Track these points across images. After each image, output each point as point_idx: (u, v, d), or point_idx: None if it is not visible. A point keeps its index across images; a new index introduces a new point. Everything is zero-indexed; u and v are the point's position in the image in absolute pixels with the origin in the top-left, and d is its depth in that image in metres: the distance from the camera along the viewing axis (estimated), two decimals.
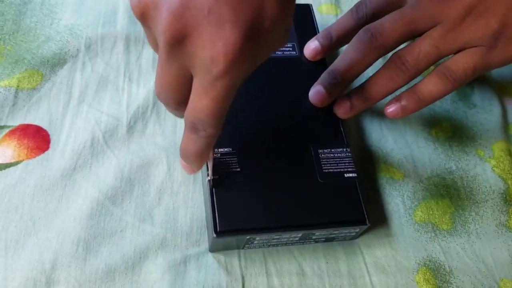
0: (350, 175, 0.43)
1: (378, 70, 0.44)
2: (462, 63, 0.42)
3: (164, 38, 0.28)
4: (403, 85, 0.44)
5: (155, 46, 0.32)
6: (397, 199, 0.48)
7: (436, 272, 0.44)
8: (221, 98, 0.30)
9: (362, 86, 0.44)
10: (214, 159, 0.41)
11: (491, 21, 0.41)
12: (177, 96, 0.32)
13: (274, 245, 0.43)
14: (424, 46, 0.42)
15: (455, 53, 0.43)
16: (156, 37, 0.30)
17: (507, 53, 0.42)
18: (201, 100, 0.30)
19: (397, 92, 0.44)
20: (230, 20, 0.27)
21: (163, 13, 0.28)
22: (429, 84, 0.43)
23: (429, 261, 0.45)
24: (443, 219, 0.47)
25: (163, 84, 0.32)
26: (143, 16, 0.29)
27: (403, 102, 0.44)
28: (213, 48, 0.28)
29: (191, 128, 0.33)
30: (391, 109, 0.44)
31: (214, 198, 0.40)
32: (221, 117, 0.32)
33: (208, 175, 0.41)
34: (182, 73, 0.30)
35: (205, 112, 0.31)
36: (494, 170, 0.51)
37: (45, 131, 0.46)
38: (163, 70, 0.31)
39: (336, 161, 0.43)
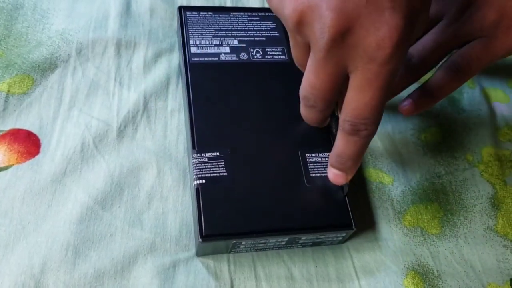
0: None
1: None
2: (466, 55, 0.43)
3: (328, 35, 0.30)
4: None
5: (303, 55, 0.34)
6: (387, 204, 0.48)
7: (424, 276, 0.44)
8: (385, 87, 0.31)
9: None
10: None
11: (488, 12, 0.42)
12: (329, 96, 0.34)
13: (262, 249, 0.43)
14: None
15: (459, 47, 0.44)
16: (312, 41, 0.32)
17: (508, 42, 0.42)
18: (364, 94, 0.32)
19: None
20: (388, 6, 0.29)
21: (323, 13, 0.30)
22: (438, 80, 0.44)
23: (418, 265, 0.45)
24: (432, 224, 0.48)
25: (315, 85, 0.34)
26: (300, 23, 0.32)
27: (416, 99, 0.45)
28: (377, 34, 0.29)
29: (351, 129, 0.34)
30: (405, 107, 0.46)
31: (200, 202, 0.40)
32: (382, 112, 0.33)
33: (194, 179, 0.41)
34: (339, 71, 0.32)
35: (369, 108, 0.32)
36: (482, 174, 0.51)
37: (35, 135, 0.46)
38: (318, 70, 0.33)
39: (323, 165, 0.44)
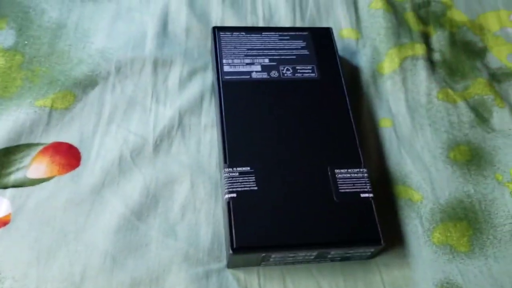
0: (366, 195, 0.44)
1: None
2: None
3: None
4: None
5: None
6: (415, 221, 0.49)
7: None
8: None
9: None
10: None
11: None
12: None
13: (291, 263, 0.44)
14: None
15: None
16: None
17: None
18: None
19: None
20: None
21: None
22: None
23: (447, 282, 0.45)
24: (461, 242, 0.48)
25: None
26: None
27: None
28: None
29: None
30: None
31: (232, 216, 0.42)
32: None
33: (225, 193, 0.43)
34: None
35: None
36: None
37: (76, 149, 0.48)
38: None
39: (352, 181, 0.45)
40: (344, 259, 0.45)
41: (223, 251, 0.45)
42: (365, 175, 0.46)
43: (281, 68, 0.52)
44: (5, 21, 0.56)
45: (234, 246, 0.41)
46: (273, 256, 0.42)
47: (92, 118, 0.51)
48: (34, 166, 0.47)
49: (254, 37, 0.54)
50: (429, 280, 0.45)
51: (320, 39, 0.55)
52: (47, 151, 0.48)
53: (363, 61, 0.59)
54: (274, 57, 0.53)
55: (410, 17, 0.64)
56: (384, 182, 0.51)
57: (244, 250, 0.41)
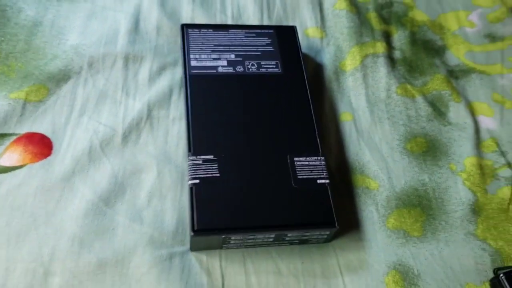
0: (323, 181, 0.47)
1: None
2: None
3: None
4: None
5: None
6: (372, 207, 0.51)
7: (405, 275, 0.47)
8: None
9: None
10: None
11: None
12: None
13: (251, 245, 0.46)
14: None
15: None
16: None
17: None
18: None
19: None
20: None
21: None
22: None
23: (399, 264, 0.48)
24: (414, 227, 0.51)
25: None
26: None
27: None
28: None
29: None
30: None
31: (194, 200, 0.44)
32: None
33: (189, 179, 0.45)
34: None
35: None
36: (465, 183, 0.54)
37: (48, 139, 0.50)
38: None
39: (310, 168, 0.47)
40: (302, 242, 0.47)
41: (187, 235, 0.47)
42: (323, 162, 0.48)
43: (246, 63, 0.54)
44: None
45: (195, 228, 0.43)
46: (233, 238, 0.44)
47: (64, 110, 0.53)
48: (7, 155, 0.49)
49: (221, 34, 0.57)
50: (382, 262, 0.48)
51: (284, 37, 0.58)
52: (20, 140, 0.50)
53: (327, 58, 0.62)
54: (240, 53, 0.55)
55: (373, 17, 0.67)
56: (343, 172, 0.53)
57: (204, 232, 0.43)
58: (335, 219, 0.45)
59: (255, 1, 0.66)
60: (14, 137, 0.50)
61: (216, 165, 0.47)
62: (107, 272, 0.44)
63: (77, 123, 0.52)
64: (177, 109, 0.55)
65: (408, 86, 0.61)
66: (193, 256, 0.46)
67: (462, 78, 0.63)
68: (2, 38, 0.57)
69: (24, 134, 0.50)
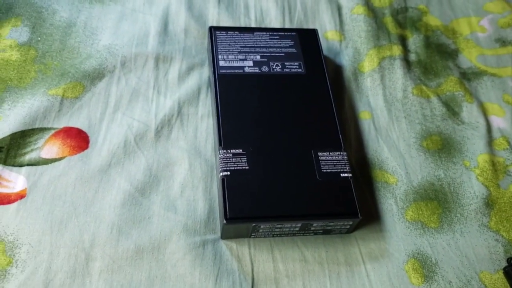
0: (346, 175, 0.50)
1: None
2: None
3: None
4: None
5: None
6: (391, 200, 0.54)
7: (423, 263, 0.50)
8: None
9: None
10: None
11: None
12: None
13: (278, 235, 0.49)
14: None
15: None
16: None
17: None
18: None
19: None
20: None
21: None
22: None
23: (418, 253, 0.50)
24: (431, 219, 0.53)
25: None
26: None
27: None
28: None
29: None
30: None
31: (225, 191, 0.47)
32: None
33: (220, 171, 0.48)
34: None
35: None
36: (478, 178, 0.57)
37: (85, 133, 0.53)
38: None
39: (333, 162, 0.50)
40: (325, 232, 0.50)
41: (218, 224, 0.50)
42: (345, 157, 0.51)
43: (271, 63, 0.57)
44: (20, 20, 0.62)
45: (228, 216, 0.46)
46: (262, 226, 0.47)
47: (99, 106, 0.56)
48: (47, 147, 0.52)
49: (247, 36, 0.60)
50: (402, 251, 0.50)
51: (306, 39, 0.61)
52: (58, 134, 0.53)
53: (346, 60, 0.65)
54: (265, 54, 0.58)
55: (389, 21, 0.70)
56: (363, 167, 0.56)
57: (236, 220, 0.46)
58: (358, 209, 0.48)
59: (277, 5, 0.69)
60: (53, 131, 0.53)
61: (245, 158, 0.49)
62: (144, 257, 0.46)
63: (111, 118, 0.55)
64: (205, 107, 0.58)
65: (423, 87, 0.64)
66: (223, 244, 0.49)
67: (474, 80, 0.66)
68: (39, 38, 0.60)
69: (62, 128, 0.53)
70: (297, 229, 0.49)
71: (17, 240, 0.46)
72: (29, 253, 0.45)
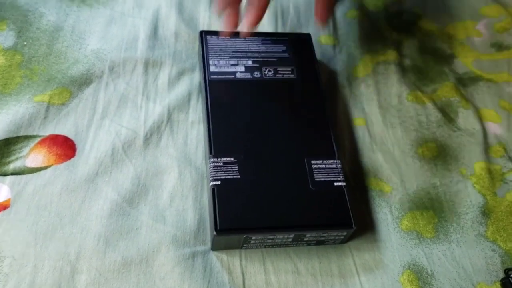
0: (339, 183, 0.49)
1: None
2: None
3: None
4: None
5: None
6: (386, 209, 0.53)
7: (419, 274, 0.49)
8: None
9: None
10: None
11: None
12: None
13: (270, 245, 0.48)
14: None
15: None
16: None
17: None
18: None
19: None
20: None
21: None
22: None
23: (413, 264, 0.49)
24: (427, 228, 0.52)
25: None
26: None
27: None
28: None
29: None
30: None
31: (216, 201, 0.45)
32: None
33: (210, 180, 0.47)
34: None
35: None
36: (474, 186, 0.56)
37: (71, 141, 0.52)
38: None
39: (327, 171, 0.49)
40: (319, 243, 0.49)
41: (208, 235, 0.48)
42: (339, 166, 0.50)
43: (263, 69, 0.56)
44: (5, 23, 0.60)
45: (218, 227, 0.44)
46: (253, 238, 0.46)
47: (86, 113, 0.54)
48: (32, 156, 0.50)
49: (239, 41, 0.58)
50: (397, 262, 0.49)
51: (299, 44, 0.59)
52: (44, 142, 0.51)
53: (339, 65, 0.64)
54: (257, 59, 0.57)
55: (384, 25, 0.69)
56: (357, 175, 0.55)
57: (227, 231, 0.45)
58: (352, 220, 0.47)
59: (269, 9, 0.68)
60: (39, 139, 0.51)
61: (236, 167, 0.48)
62: (132, 270, 0.45)
63: (99, 125, 0.54)
64: (196, 113, 0.57)
65: (419, 93, 0.63)
66: (214, 256, 0.47)
67: (470, 86, 0.65)
68: (25, 43, 0.59)
69: (48, 136, 0.52)
70: (290, 240, 0.47)
71: None
72: (12, 266, 0.44)
